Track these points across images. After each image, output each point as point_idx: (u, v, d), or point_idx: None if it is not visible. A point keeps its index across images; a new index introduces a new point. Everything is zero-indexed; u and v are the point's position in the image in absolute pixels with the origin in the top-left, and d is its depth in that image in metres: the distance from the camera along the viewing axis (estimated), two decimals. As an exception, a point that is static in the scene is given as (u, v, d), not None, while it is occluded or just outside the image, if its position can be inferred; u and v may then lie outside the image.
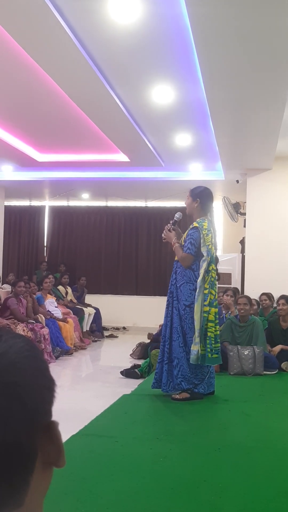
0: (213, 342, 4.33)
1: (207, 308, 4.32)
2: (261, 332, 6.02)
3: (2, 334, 0.58)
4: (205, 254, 4.36)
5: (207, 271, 4.34)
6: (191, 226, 4.50)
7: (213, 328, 4.35)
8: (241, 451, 3.17)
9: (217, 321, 4.43)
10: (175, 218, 4.70)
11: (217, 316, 4.46)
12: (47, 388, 0.59)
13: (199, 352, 4.25)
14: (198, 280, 4.32)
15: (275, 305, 7.29)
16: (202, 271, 4.33)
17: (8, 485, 0.53)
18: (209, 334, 4.32)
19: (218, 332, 4.50)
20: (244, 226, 8.50)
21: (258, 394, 4.91)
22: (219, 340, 4.47)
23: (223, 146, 6.81)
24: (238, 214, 9.29)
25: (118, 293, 11.40)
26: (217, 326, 4.44)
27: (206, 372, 4.44)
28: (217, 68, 4.38)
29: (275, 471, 2.86)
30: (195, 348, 4.26)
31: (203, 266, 4.34)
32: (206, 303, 4.32)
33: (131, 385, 5.23)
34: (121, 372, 5.94)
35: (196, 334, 4.27)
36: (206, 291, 4.32)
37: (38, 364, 0.59)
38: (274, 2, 3.38)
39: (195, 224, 4.46)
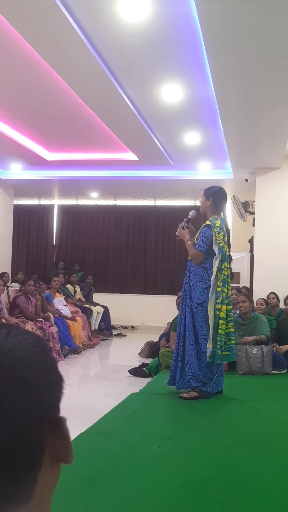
0: (224, 339, 4.37)
1: (219, 306, 4.38)
2: (264, 324, 6.00)
3: (11, 330, 0.59)
4: (216, 252, 4.41)
5: (219, 269, 4.40)
6: (203, 225, 4.56)
7: (224, 326, 4.38)
8: (250, 450, 3.17)
9: (229, 318, 4.44)
10: (189, 216, 4.76)
11: (230, 314, 4.46)
12: (55, 383, 0.60)
13: (212, 349, 4.32)
14: (212, 278, 4.38)
15: (281, 305, 7.29)
16: (214, 269, 4.39)
17: (16, 480, 0.54)
18: (219, 331, 4.37)
19: (232, 329, 4.50)
20: (253, 225, 8.47)
21: (267, 394, 4.90)
22: (232, 338, 4.47)
23: (232, 145, 6.78)
24: (247, 213, 9.25)
25: (126, 292, 11.40)
26: (230, 324, 4.44)
27: (215, 371, 4.45)
28: (227, 67, 4.36)
29: (284, 470, 2.85)
30: (209, 346, 4.34)
31: (215, 264, 4.39)
32: (218, 301, 4.38)
33: (139, 384, 5.25)
34: (130, 371, 5.95)
35: (211, 332, 4.34)
36: (218, 289, 4.38)
37: (47, 360, 0.59)
38: (285, 0, 3.37)
39: (207, 222, 4.54)
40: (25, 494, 0.55)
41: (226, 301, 4.41)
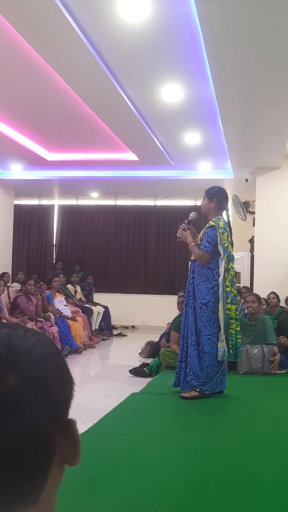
0: (234, 338, 4.45)
1: (229, 306, 4.43)
2: (271, 329, 5.98)
3: (26, 330, 0.60)
4: (221, 252, 4.43)
5: (226, 269, 4.43)
6: (207, 225, 4.56)
7: (234, 325, 4.46)
8: (250, 450, 3.17)
9: (237, 317, 4.52)
10: (189, 218, 4.75)
11: (236, 313, 4.53)
12: (68, 384, 0.61)
13: (224, 349, 4.36)
14: (220, 279, 4.40)
15: (281, 304, 7.29)
16: (222, 270, 4.41)
17: (29, 480, 0.55)
18: (230, 331, 4.43)
19: (239, 328, 4.57)
20: (253, 225, 8.47)
21: (267, 393, 4.90)
22: (239, 336, 4.54)
23: (233, 145, 6.79)
24: (248, 213, 9.25)
25: (127, 292, 11.41)
26: (237, 322, 4.52)
27: (216, 371, 4.46)
28: (227, 67, 4.36)
29: (284, 470, 2.85)
30: (221, 345, 4.37)
31: (222, 264, 4.41)
32: (228, 300, 4.42)
33: (139, 384, 5.25)
34: (130, 371, 5.95)
35: (222, 331, 4.37)
36: (228, 289, 4.42)
37: (60, 361, 0.61)
38: (284, 0, 3.37)
39: (211, 223, 4.53)
40: (35, 494, 0.56)
41: (234, 301, 4.48)
